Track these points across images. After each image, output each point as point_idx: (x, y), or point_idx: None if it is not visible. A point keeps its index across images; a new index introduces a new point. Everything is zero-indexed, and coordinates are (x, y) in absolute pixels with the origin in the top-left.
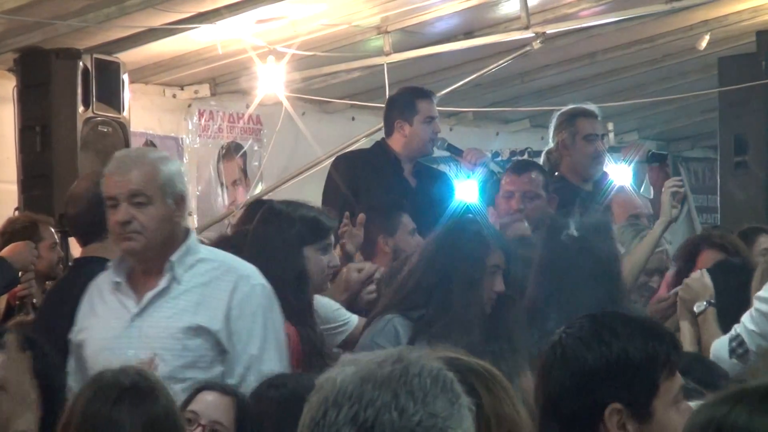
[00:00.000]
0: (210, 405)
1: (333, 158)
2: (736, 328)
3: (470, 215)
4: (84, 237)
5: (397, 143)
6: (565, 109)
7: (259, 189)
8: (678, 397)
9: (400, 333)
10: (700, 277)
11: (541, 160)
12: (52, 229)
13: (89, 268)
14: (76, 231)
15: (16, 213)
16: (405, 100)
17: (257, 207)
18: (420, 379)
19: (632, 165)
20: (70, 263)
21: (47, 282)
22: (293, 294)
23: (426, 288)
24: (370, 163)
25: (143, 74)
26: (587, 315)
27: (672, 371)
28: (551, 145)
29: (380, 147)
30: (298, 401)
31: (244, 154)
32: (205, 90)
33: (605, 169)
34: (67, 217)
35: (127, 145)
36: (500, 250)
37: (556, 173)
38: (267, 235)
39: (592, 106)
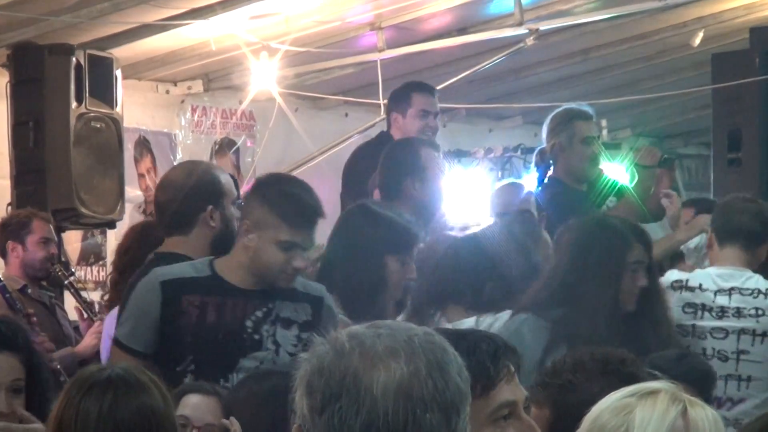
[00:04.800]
0: (199, 407)
1: (327, 154)
2: None
3: (607, 215)
4: (168, 228)
5: (396, 135)
6: (559, 110)
7: None
8: (498, 414)
9: (525, 335)
10: None
11: (533, 160)
12: (51, 227)
13: (169, 263)
14: (161, 219)
15: (9, 209)
16: (401, 93)
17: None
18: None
19: (639, 168)
20: (63, 259)
21: (40, 281)
22: (366, 299)
23: (565, 287)
24: (374, 157)
25: (136, 70)
26: None
27: (487, 388)
28: (544, 144)
29: (386, 138)
30: (280, 395)
31: (237, 150)
32: (198, 86)
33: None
34: (155, 203)
35: (119, 141)
36: (640, 245)
37: (550, 174)
38: (351, 235)
39: (586, 107)
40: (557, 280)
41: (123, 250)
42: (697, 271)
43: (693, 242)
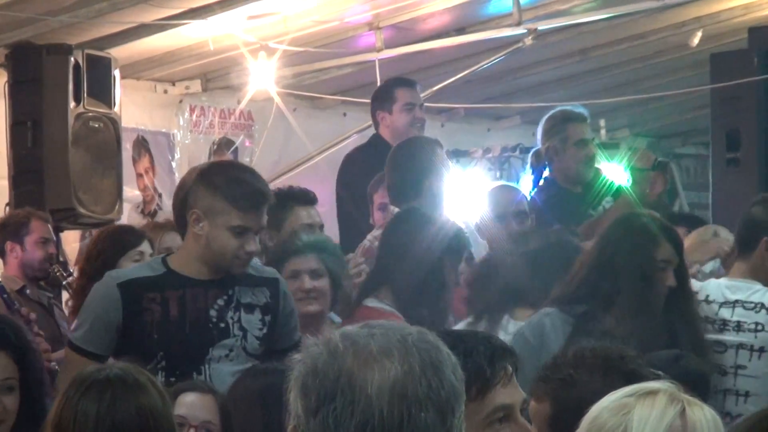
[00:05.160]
0: (195, 406)
1: (325, 154)
2: None
3: (638, 211)
4: (179, 230)
5: (386, 135)
6: (553, 112)
7: None
8: (493, 417)
9: (546, 327)
10: None
11: (528, 162)
12: (49, 227)
13: None
14: (174, 222)
15: (8, 209)
16: (383, 91)
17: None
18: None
19: (637, 172)
20: (61, 259)
21: (39, 281)
22: (431, 299)
23: (592, 283)
24: (369, 160)
25: (134, 70)
26: None
27: (483, 391)
28: (539, 146)
29: (378, 139)
30: (276, 393)
31: (236, 150)
32: (196, 86)
33: (597, 166)
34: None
35: (118, 140)
36: (669, 245)
37: (545, 176)
38: (411, 238)
39: (580, 108)
40: (583, 276)
41: (94, 255)
42: (711, 281)
43: (708, 267)
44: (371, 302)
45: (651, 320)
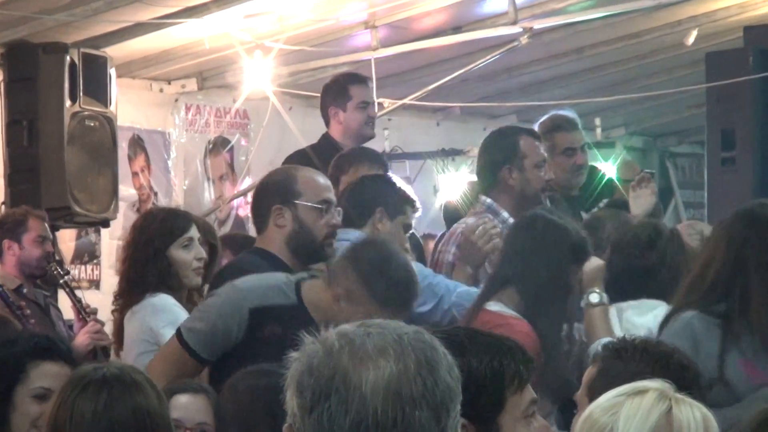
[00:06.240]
0: (189, 408)
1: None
2: None
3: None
4: (255, 225)
5: (336, 132)
6: (544, 119)
7: (246, 184)
8: (528, 411)
9: (697, 332)
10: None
11: None
12: (47, 225)
13: (253, 261)
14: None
15: (3, 207)
16: (337, 87)
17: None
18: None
19: (622, 183)
20: (57, 257)
21: (37, 279)
22: (557, 302)
23: (725, 281)
24: (320, 160)
25: (130, 69)
26: (439, 330)
27: (521, 386)
28: None
29: (327, 139)
30: (277, 393)
31: (231, 149)
32: (192, 84)
33: (595, 164)
34: None
35: (113, 139)
36: None
37: None
38: (543, 243)
39: (572, 114)
40: (715, 273)
41: (143, 242)
42: None
43: None
44: (493, 306)
45: None
